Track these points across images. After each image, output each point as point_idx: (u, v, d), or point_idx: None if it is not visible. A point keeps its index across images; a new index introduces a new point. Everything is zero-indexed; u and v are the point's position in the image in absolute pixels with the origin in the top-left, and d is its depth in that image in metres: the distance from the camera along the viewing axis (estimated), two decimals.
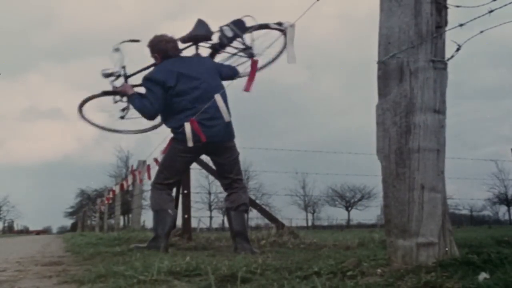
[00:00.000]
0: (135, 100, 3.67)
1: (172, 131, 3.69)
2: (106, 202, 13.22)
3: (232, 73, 3.89)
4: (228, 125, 3.65)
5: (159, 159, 4.04)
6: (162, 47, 3.79)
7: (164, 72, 3.64)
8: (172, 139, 3.71)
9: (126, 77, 3.82)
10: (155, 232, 3.66)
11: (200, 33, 3.87)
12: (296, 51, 2.39)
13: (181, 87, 3.60)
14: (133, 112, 3.80)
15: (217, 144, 3.63)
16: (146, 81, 3.69)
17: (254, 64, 2.64)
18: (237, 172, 3.83)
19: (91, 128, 3.98)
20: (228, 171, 3.79)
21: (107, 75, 3.73)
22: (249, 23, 3.76)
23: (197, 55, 3.92)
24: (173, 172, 3.75)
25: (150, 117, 3.68)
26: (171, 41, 3.83)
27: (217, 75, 3.80)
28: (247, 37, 3.81)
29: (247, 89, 2.62)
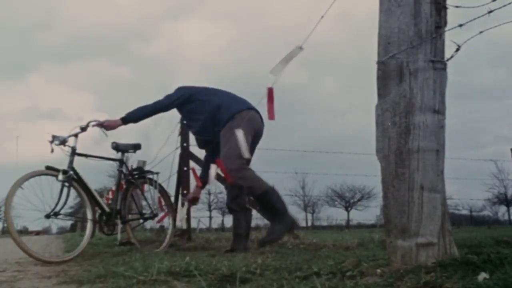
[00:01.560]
0: (133, 113, 3.79)
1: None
2: (105, 202, 13.20)
3: None
4: None
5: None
6: None
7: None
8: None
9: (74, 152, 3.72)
10: (279, 212, 3.54)
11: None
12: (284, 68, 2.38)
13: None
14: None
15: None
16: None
17: (270, 92, 2.62)
18: None
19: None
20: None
21: (61, 142, 3.67)
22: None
23: None
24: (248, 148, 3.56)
25: (165, 107, 3.84)
26: None
27: None
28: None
29: (271, 117, 2.63)
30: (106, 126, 3.76)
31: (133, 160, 5.33)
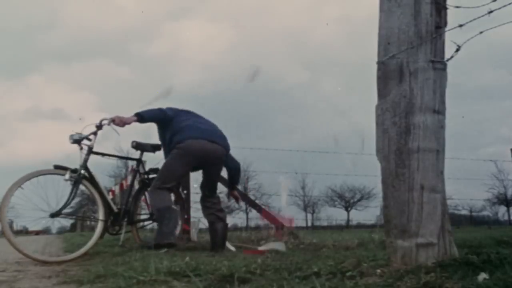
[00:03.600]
0: (148, 112, 3.83)
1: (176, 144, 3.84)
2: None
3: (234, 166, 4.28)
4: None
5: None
6: None
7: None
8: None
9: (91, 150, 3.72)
10: (162, 229, 3.67)
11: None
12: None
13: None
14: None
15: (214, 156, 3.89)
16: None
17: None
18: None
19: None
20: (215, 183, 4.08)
21: (75, 141, 3.67)
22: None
23: None
24: (173, 177, 3.88)
25: (168, 117, 3.90)
26: None
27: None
28: None
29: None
30: (118, 122, 3.67)
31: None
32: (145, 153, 4.27)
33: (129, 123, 3.73)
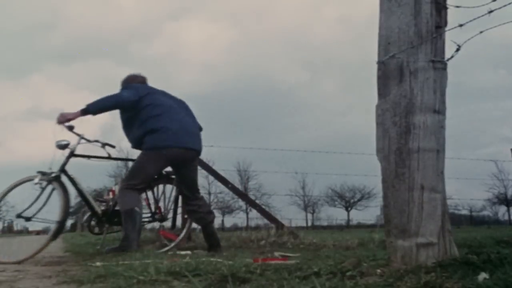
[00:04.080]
0: (103, 99, 3.67)
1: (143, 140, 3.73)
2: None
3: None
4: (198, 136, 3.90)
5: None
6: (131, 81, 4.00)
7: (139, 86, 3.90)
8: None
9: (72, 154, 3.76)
10: (126, 232, 3.60)
11: None
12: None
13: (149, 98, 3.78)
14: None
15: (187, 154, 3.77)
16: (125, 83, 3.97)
17: None
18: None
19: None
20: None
21: (61, 147, 3.71)
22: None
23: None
24: (144, 179, 3.77)
25: (128, 102, 3.70)
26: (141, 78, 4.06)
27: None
28: None
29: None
30: (60, 119, 3.58)
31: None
32: None
33: (72, 118, 3.61)
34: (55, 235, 3.52)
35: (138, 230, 3.66)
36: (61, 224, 3.52)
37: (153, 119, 3.68)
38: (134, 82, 3.95)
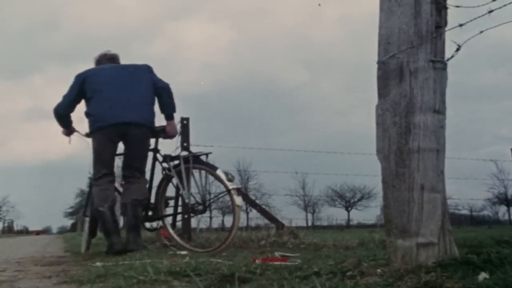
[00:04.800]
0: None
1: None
2: None
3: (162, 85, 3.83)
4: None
5: None
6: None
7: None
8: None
9: None
10: (110, 237, 3.53)
11: None
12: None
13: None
14: None
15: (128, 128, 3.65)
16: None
17: None
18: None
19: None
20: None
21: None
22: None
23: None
24: (103, 162, 3.73)
25: (62, 108, 3.88)
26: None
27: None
28: None
29: None
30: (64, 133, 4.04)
31: None
32: (161, 140, 3.89)
33: (66, 134, 4.09)
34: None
35: (114, 228, 3.54)
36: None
37: (87, 103, 3.79)
38: (103, 60, 4.02)
